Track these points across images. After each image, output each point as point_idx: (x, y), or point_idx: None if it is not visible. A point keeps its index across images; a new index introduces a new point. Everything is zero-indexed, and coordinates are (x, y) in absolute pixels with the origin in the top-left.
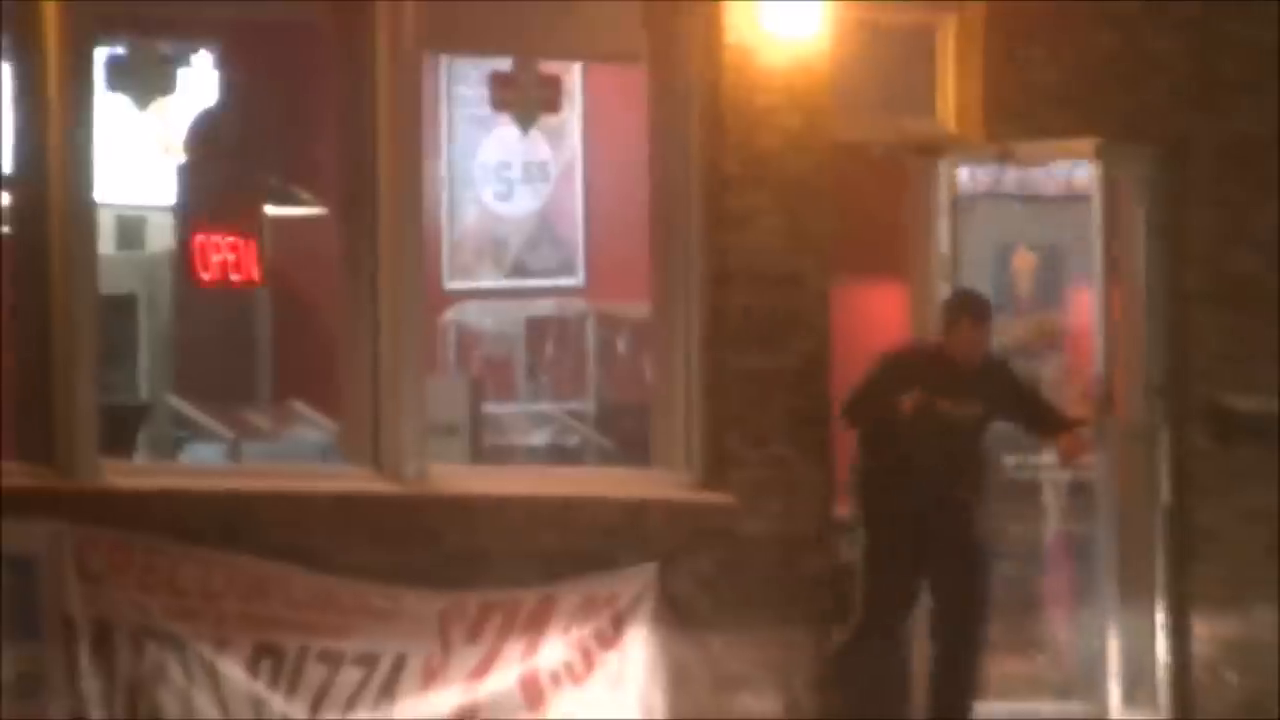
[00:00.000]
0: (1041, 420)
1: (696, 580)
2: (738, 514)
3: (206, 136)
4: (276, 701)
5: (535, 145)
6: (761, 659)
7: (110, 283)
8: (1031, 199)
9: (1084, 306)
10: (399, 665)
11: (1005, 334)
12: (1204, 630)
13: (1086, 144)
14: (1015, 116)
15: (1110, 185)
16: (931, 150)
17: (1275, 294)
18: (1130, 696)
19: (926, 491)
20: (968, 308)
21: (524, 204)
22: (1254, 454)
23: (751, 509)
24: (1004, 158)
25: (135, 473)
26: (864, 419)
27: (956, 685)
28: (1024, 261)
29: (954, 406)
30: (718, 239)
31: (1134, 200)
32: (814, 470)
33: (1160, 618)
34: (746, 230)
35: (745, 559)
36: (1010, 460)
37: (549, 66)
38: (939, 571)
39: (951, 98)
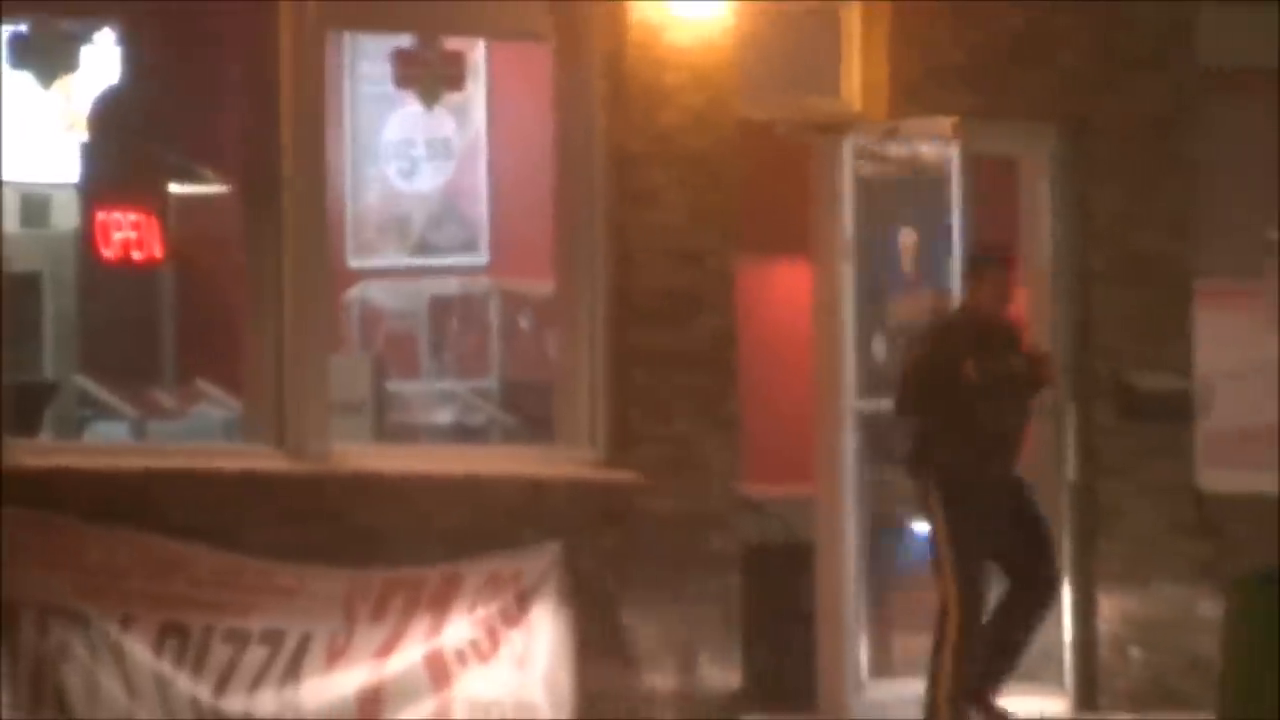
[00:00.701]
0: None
1: (601, 558)
2: (643, 492)
3: (109, 114)
4: (182, 680)
5: (439, 122)
6: (667, 636)
7: (15, 261)
8: (922, 176)
9: None
10: (304, 644)
11: (893, 312)
12: (1109, 607)
13: (945, 122)
14: (919, 96)
15: (971, 164)
16: (834, 129)
17: (1180, 271)
18: (1035, 674)
19: (1000, 463)
20: (991, 256)
21: (428, 181)
22: (1159, 431)
23: (656, 487)
24: (889, 134)
25: (41, 451)
26: (926, 405)
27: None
28: (908, 239)
29: (999, 364)
30: (622, 217)
31: (1039, 179)
32: (720, 447)
33: (1066, 595)
34: (651, 208)
35: (650, 536)
36: None
37: (453, 44)
38: (1012, 550)
39: (856, 77)
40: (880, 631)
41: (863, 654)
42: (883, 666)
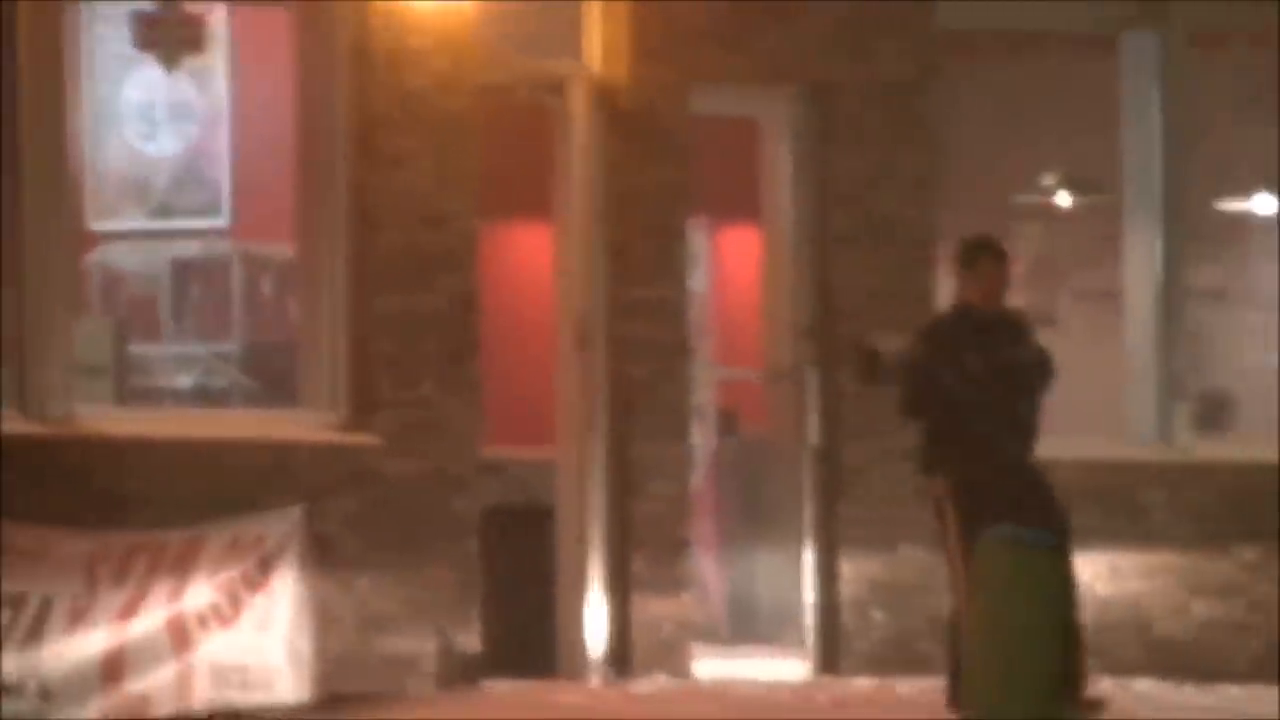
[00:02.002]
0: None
1: (344, 521)
2: (385, 455)
3: None
4: None
5: (180, 85)
6: (410, 599)
7: None
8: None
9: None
10: (46, 607)
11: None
12: (851, 570)
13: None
14: (660, 58)
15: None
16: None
17: (920, 235)
18: (777, 636)
19: (1011, 452)
20: (985, 247)
21: (169, 144)
22: (898, 394)
23: (399, 449)
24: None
25: None
26: (927, 405)
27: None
28: None
29: (996, 356)
30: (365, 180)
31: (780, 141)
32: (463, 410)
33: (808, 558)
34: (394, 171)
35: (393, 500)
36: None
37: (193, 6)
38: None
39: (597, 40)
40: (620, 594)
41: (602, 617)
42: (625, 630)
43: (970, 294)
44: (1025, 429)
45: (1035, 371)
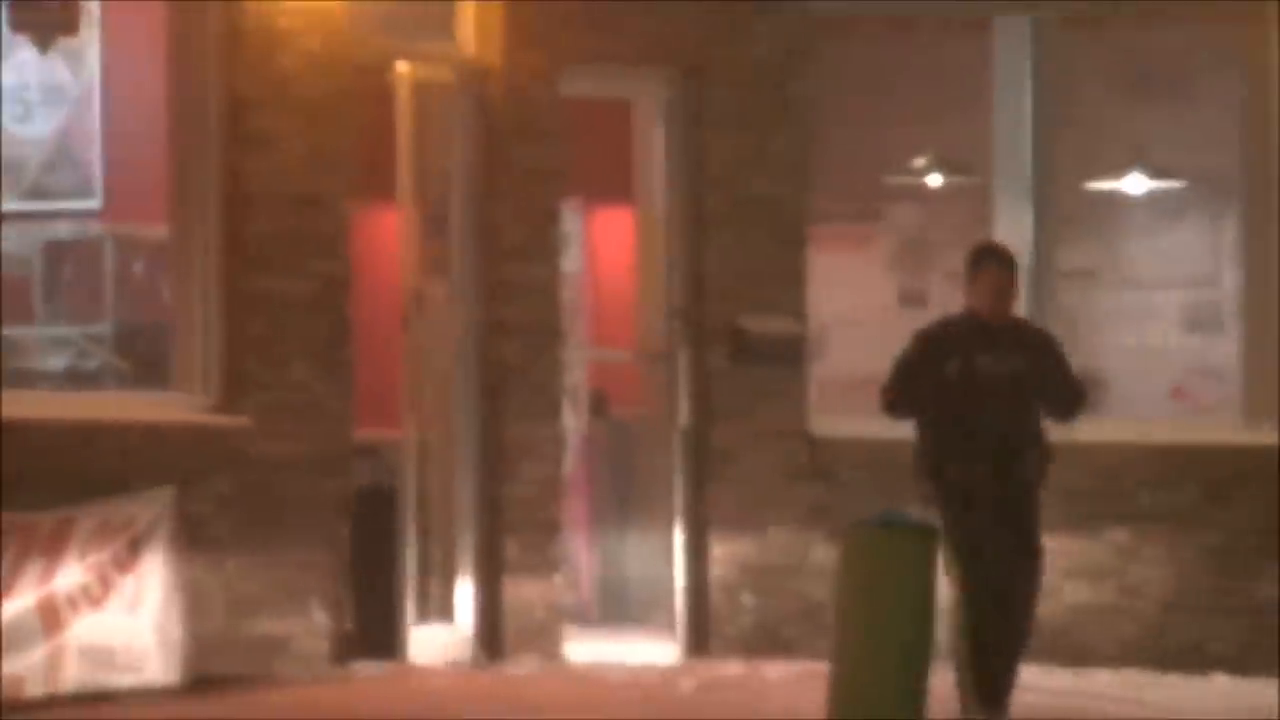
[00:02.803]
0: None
1: (215, 503)
2: (256, 436)
3: None
4: None
5: (54, 67)
6: (280, 581)
7: None
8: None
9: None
10: None
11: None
12: (721, 553)
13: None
14: (534, 40)
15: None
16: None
17: (794, 216)
18: (646, 619)
19: (991, 464)
20: (992, 253)
21: (42, 126)
22: (771, 376)
23: (270, 431)
24: (480, 80)
25: None
26: (909, 403)
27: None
28: None
29: (994, 363)
30: (237, 161)
31: (653, 123)
32: (334, 393)
33: (678, 540)
34: (266, 152)
35: (264, 481)
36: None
37: None
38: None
39: (471, 21)
40: (491, 577)
41: (472, 600)
42: (496, 612)
43: (975, 300)
44: (1018, 440)
45: (1034, 383)
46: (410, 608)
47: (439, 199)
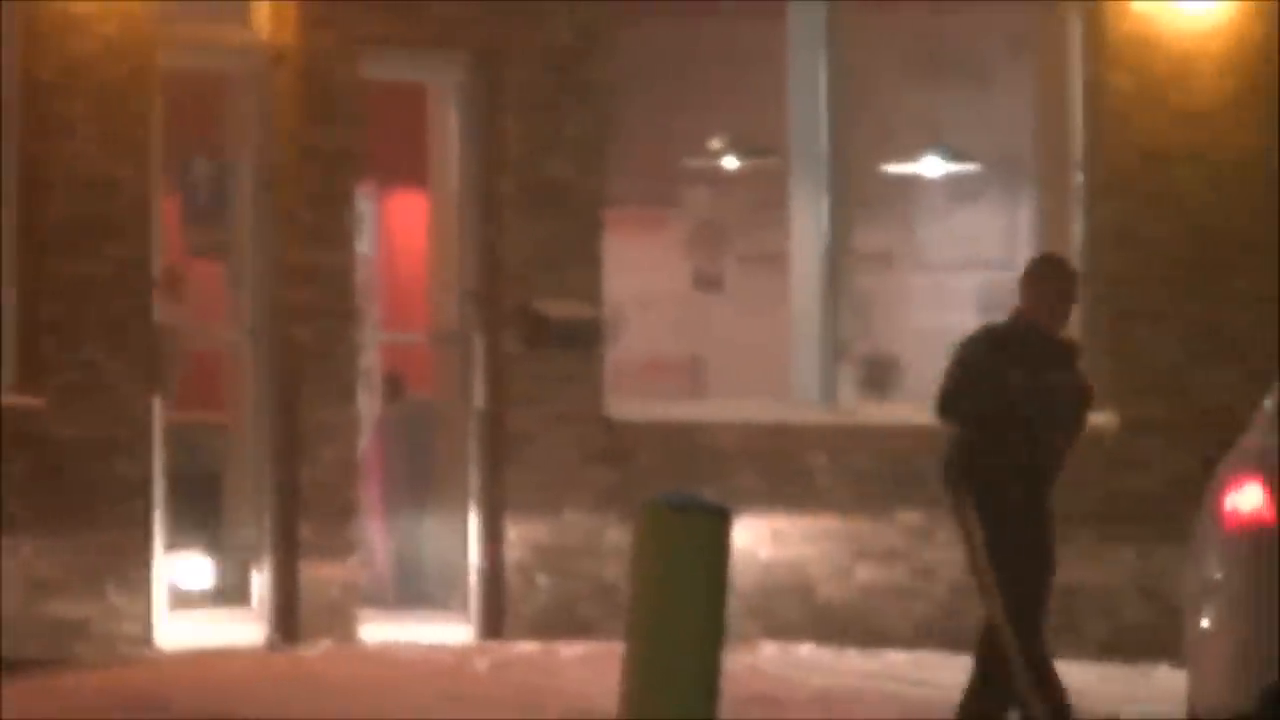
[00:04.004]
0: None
1: (9, 486)
2: (52, 419)
3: None
4: None
5: None
6: (80, 564)
7: None
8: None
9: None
10: None
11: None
12: (517, 535)
13: None
14: (331, 23)
15: (380, 90)
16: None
17: (590, 200)
18: (441, 601)
19: (1025, 489)
20: (1057, 267)
21: None
22: (566, 359)
23: (65, 414)
24: (278, 61)
25: None
26: (967, 412)
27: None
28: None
29: (1056, 377)
30: (34, 146)
31: (448, 106)
32: (130, 375)
33: (473, 522)
34: (63, 138)
35: (59, 463)
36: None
37: None
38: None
39: (265, 6)
40: (288, 559)
41: (269, 582)
42: (293, 594)
43: (1035, 311)
44: (1050, 458)
45: (1073, 403)
46: (209, 588)
47: (212, 180)
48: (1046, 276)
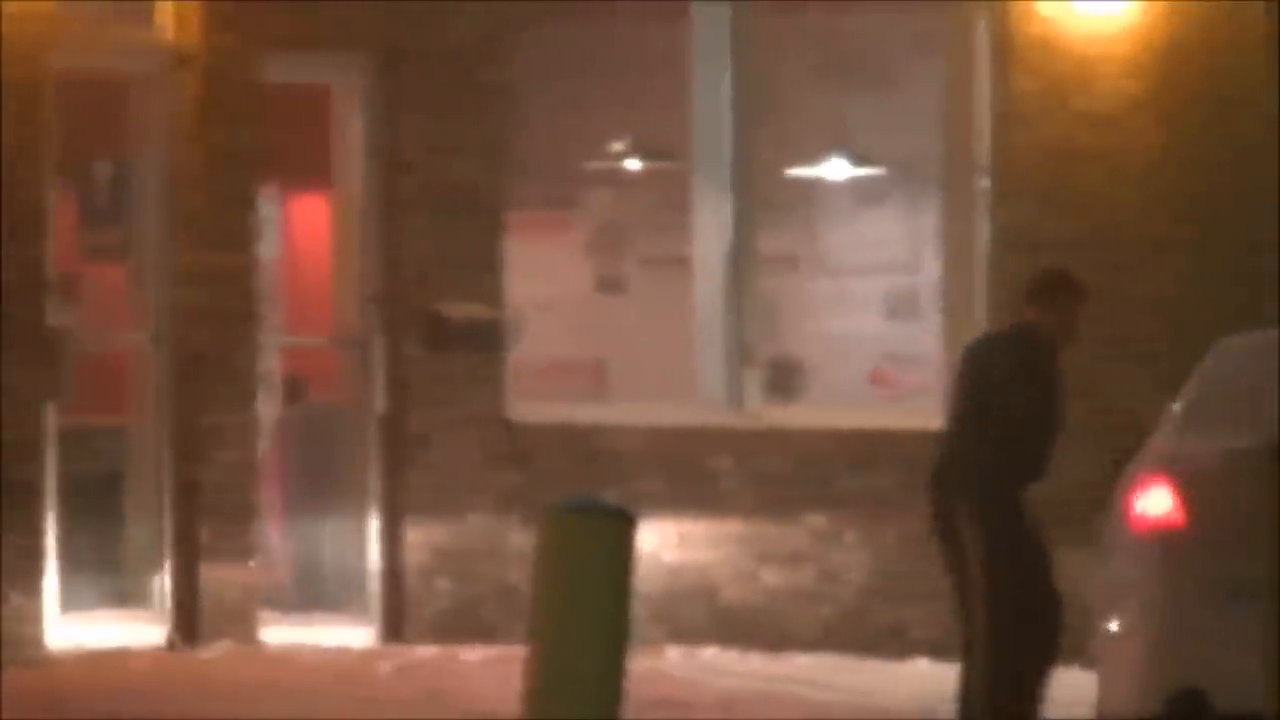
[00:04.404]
0: None
1: None
2: None
3: None
4: None
5: None
6: None
7: None
8: None
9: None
10: None
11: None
12: (417, 538)
13: None
14: (234, 25)
15: (283, 91)
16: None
17: (492, 202)
18: (341, 604)
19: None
20: (1072, 282)
21: None
22: (467, 362)
23: None
24: (182, 63)
25: None
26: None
27: None
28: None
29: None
30: None
31: (351, 107)
32: (24, 378)
33: (374, 525)
34: None
35: None
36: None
37: None
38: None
39: (170, 8)
40: (188, 561)
41: (170, 584)
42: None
43: (1049, 327)
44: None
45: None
46: (108, 593)
47: (114, 182)
48: (1069, 293)
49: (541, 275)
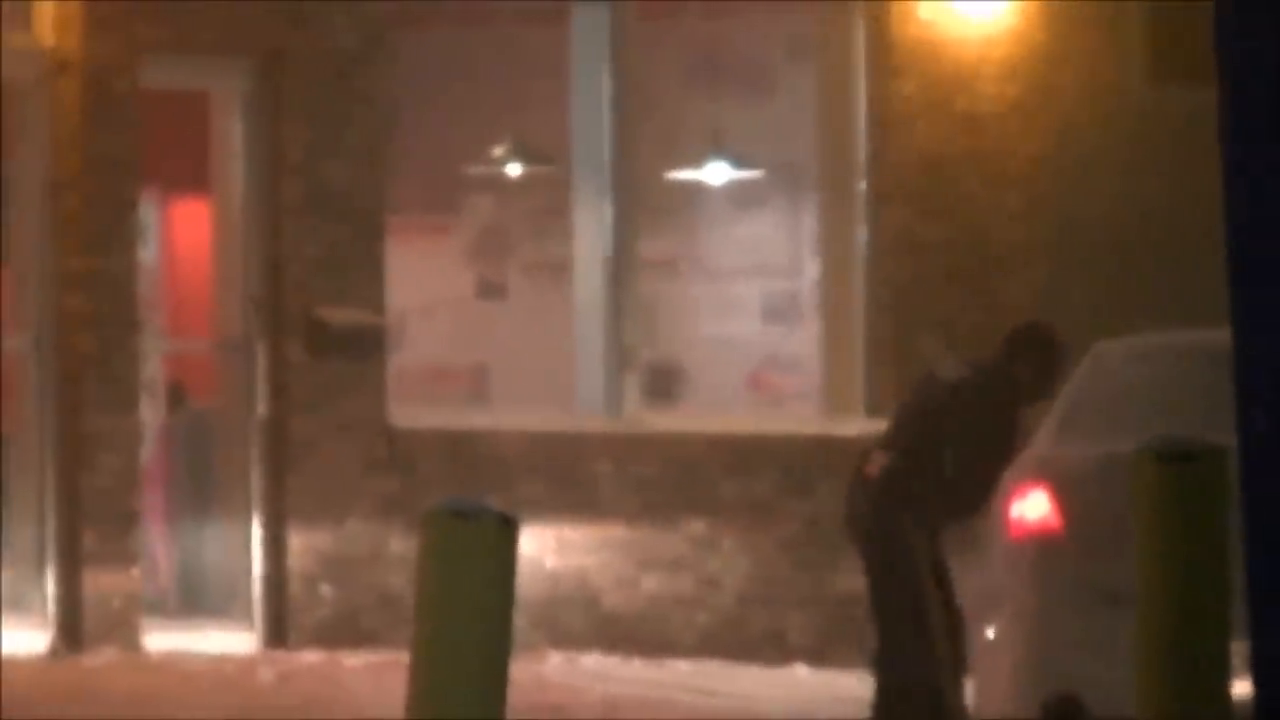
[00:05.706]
0: None
1: None
2: None
3: None
4: None
5: None
6: None
7: None
8: None
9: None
10: None
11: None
12: (300, 544)
13: None
14: (113, 29)
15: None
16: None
17: (372, 207)
18: (223, 610)
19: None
20: (1057, 342)
21: None
22: (349, 367)
23: None
24: (61, 67)
25: None
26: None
27: None
28: None
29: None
30: None
31: (230, 112)
32: None
33: (256, 531)
34: None
35: None
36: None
37: None
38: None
39: (49, 12)
40: (71, 568)
41: (52, 591)
42: (76, 603)
43: (1024, 378)
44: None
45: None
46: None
47: None
48: (1035, 347)
49: (422, 280)
